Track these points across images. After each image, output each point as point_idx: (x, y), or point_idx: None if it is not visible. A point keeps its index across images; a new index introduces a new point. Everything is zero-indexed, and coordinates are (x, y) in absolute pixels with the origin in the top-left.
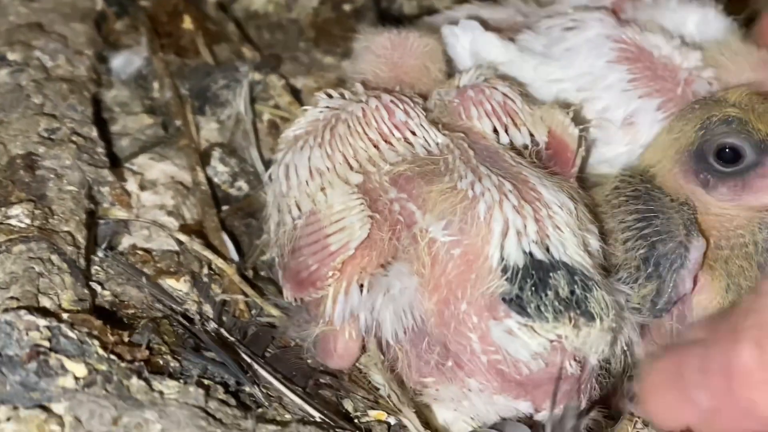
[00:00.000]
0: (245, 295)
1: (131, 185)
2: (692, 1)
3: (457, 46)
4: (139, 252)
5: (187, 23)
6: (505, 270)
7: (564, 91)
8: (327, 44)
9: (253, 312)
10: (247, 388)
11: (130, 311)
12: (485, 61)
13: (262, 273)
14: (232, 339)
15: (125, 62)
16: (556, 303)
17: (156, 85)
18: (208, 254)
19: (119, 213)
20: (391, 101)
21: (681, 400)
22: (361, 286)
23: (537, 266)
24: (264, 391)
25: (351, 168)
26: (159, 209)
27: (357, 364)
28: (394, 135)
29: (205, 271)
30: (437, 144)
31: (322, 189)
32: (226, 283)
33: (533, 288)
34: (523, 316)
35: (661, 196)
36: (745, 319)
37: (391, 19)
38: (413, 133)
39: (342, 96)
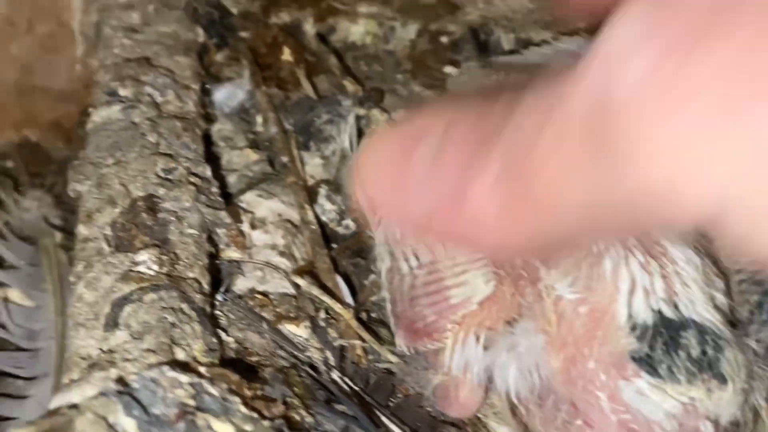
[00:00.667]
0: (363, 340)
1: (244, 225)
2: None
3: None
4: (258, 296)
5: (287, 55)
6: (633, 328)
7: None
8: (424, 77)
9: (371, 357)
10: None
11: (254, 359)
12: None
13: (374, 315)
14: (357, 389)
15: (228, 95)
16: (689, 364)
17: (259, 119)
18: (325, 298)
19: (234, 254)
20: None
21: (400, 188)
22: (477, 338)
23: (667, 324)
24: None
25: None
26: (271, 249)
27: (478, 414)
28: None
29: (322, 315)
30: None
31: None
32: (342, 327)
33: (664, 347)
34: (654, 377)
35: None
36: (501, 135)
37: (488, 51)
38: None
39: None
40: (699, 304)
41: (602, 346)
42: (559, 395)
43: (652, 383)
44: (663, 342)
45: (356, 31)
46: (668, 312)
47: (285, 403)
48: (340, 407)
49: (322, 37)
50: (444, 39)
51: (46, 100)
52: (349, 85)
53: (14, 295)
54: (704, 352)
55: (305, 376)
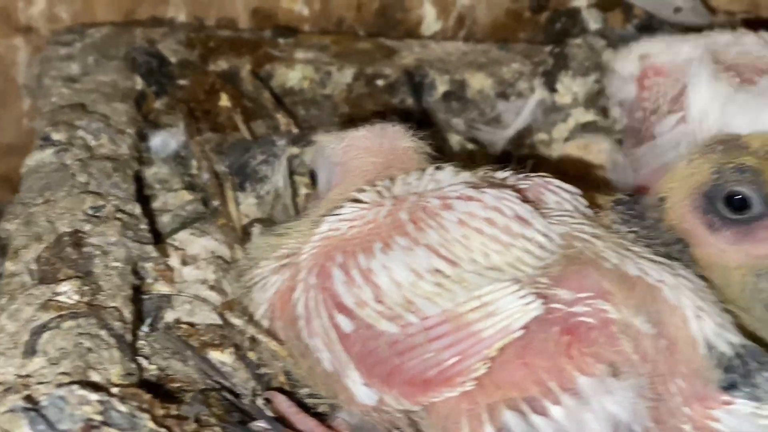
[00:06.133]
0: (287, 370)
1: (174, 261)
2: None
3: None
4: (184, 325)
5: (224, 101)
6: (715, 355)
7: None
8: (361, 120)
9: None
10: None
11: (176, 384)
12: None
13: None
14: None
15: (164, 142)
16: None
17: (195, 163)
18: (249, 328)
19: (163, 288)
20: (509, 197)
21: None
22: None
23: (745, 349)
24: None
25: (486, 266)
26: (201, 284)
27: None
28: (525, 235)
29: (247, 344)
30: (560, 235)
31: (441, 286)
32: (267, 355)
33: (754, 370)
34: (754, 400)
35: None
36: None
37: (422, 92)
38: (537, 230)
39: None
40: (734, 328)
41: (686, 380)
42: None
43: (752, 407)
44: (749, 367)
45: (293, 76)
46: (731, 337)
47: (198, 421)
48: (256, 427)
49: (259, 83)
50: (380, 82)
51: None
52: (284, 127)
53: None
54: None
55: (225, 399)
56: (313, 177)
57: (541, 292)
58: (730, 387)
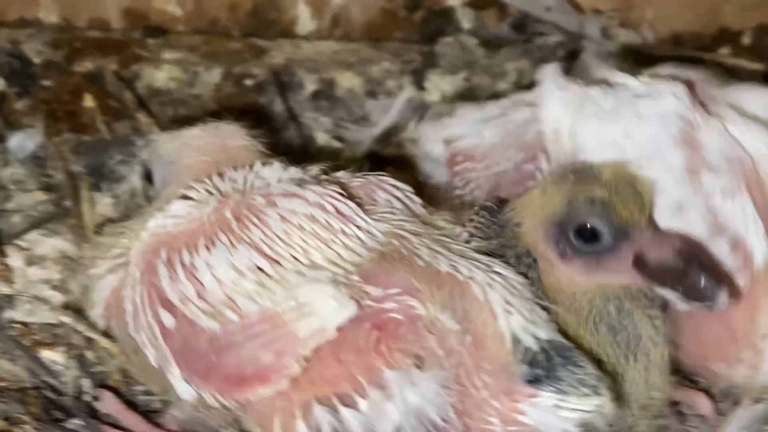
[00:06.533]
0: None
1: (17, 261)
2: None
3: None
4: (17, 325)
5: (89, 101)
6: (524, 353)
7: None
8: (229, 119)
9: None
10: None
11: (2, 384)
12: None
13: None
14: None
15: (21, 143)
16: (585, 377)
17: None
18: (82, 327)
19: (2, 288)
20: (333, 194)
21: None
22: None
23: (550, 345)
24: None
25: (306, 263)
26: (44, 283)
27: None
28: (345, 231)
29: (83, 343)
30: (382, 233)
31: (262, 284)
32: (103, 354)
33: (558, 364)
34: (558, 393)
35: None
36: None
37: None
38: (358, 227)
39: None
40: (547, 323)
41: (492, 375)
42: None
43: (556, 398)
44: (552, 360)
45: (160, 76)
46: (540, 332)
47: (7, 419)
48: (71, 424)
49: (125, 84)
50: (248, 81)
51: None
52: (145, 127)
53: None
54: (584, 367)
55: (45, 398)
56: (149, 176)
57: (355, 292)
58: (534, 381)
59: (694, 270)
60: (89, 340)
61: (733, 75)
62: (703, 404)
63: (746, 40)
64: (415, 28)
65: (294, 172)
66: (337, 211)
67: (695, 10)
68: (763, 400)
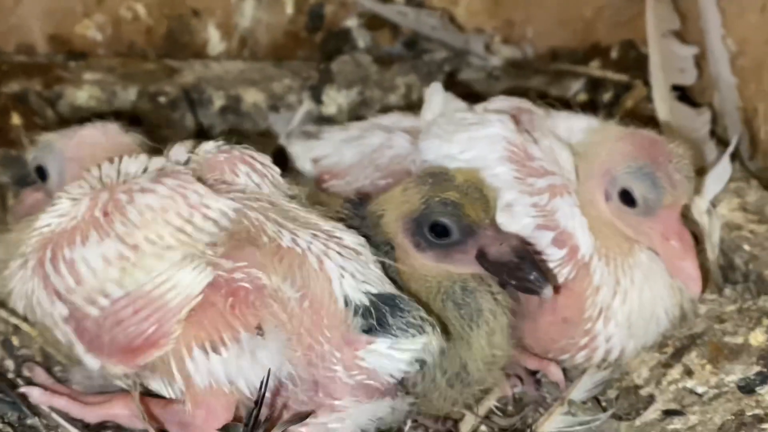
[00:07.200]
0: (45, 352)
1: None
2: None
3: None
4: None
5: (15, 119)
6: (355, 309)
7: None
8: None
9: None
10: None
11: None
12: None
13: None
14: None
15: None
16: (412, 320)
17: None
18: (5, 314)
19: None
20: (180, 185)
21: None
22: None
23: (378, 298)
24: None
25: (163, 247)
26: None
27: None
28: (194, 217)
29: (11, 330)
30: (234, 210)
31: (125, 270)
32: (26, 339)
33: (386, 313)
34: (389, 338)
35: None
36: None
37: (200, 108)
38: (208, 209)
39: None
40: (382, 280)
41: (331, 330)
42: (303, 380)
43: (389, 344)
44: (382, 311)
45: (81, 95)
46: (372, 288)
47: None
48: None
49: (49, 103)
50: (162, 99)
51: None
52: None
53: None
54: (409, 311)
55: None
56: (41, 173)
57: (209, 262)
58: (368, 330)
59: (526, 265)
60: (16, 328)
61: (601, 85)
62: (555, 372)
63: (614, 54)
64: (316, 47)
65: (156, 162)
66: (188, 202)
67: (571, 27)
68: (605, 368)
